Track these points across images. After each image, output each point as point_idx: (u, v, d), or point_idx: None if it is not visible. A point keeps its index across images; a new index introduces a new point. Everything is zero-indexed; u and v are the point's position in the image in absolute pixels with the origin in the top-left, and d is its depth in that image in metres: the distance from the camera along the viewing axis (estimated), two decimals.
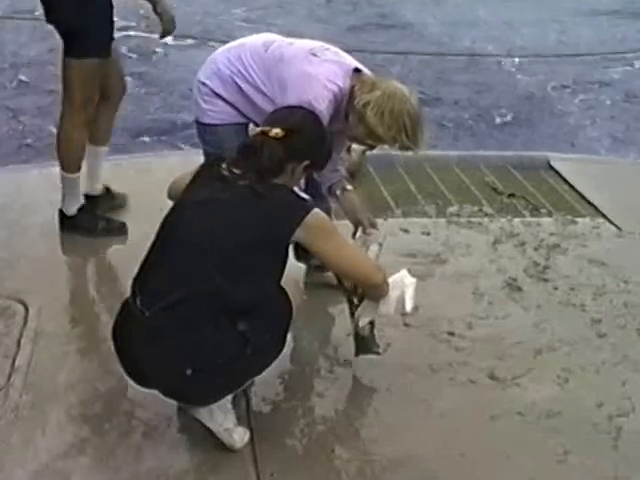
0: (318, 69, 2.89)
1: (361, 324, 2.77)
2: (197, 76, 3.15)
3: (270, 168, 2.41)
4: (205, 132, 3.15)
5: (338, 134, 2.93)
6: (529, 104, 7.96)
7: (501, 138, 7.06)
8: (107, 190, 4.12)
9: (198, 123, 3.17)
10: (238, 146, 2.51)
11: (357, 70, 2.95)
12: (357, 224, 3.14)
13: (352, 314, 2.83)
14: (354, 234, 3.13)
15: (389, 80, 2.93)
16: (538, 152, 5.52)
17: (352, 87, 2.89)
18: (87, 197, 3.94)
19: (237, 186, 2.39)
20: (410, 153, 2.97)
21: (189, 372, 2.34)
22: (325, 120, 2.76)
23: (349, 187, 3.19)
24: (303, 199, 2.51)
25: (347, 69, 2.92)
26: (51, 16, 3.61)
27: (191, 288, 2.34)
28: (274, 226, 2.36)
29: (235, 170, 2.41)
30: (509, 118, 7.55)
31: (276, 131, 2.42)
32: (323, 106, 2.80)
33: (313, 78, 2.86)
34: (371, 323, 2.80)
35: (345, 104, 2.89)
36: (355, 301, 2.81)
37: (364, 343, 2.86)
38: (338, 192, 3.15)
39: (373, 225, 3.15)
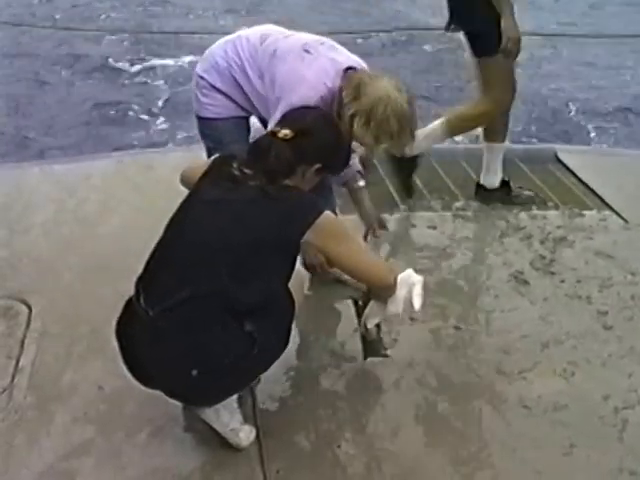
0: (308, 69, 2.84)
1: (369, 326, 2.72)
2: (195, 70, 3.14)
3: (279, 169, 2.37)
4: (204, 126, 3.15)
5: None
6: None
7: None
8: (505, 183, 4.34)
9: (197, 117, 3.17)
10: (248, 146, 2.49)
11: (351, 67, 2.88)
12: (368, 226, 3.21)
13: (358, 315, 2.79)
14: (365, 236, 3.22)
15: (377, 78, 2.80)
16: (545, 145, 5.48)
17: (341, 87, 2.82)
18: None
19: (248, 186, 2.35)
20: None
21: (194, 373, 2.31)
22: None
23: (361, 183, 3.19)
24: (315, 200, 2.44)
25: (339, 68, 2.85)
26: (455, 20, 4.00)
27: (197, 288, 2.30)
28: (284, 228, 2.31)
29: (246, 170, 2.38)
30: None
31: (285, 132, 2.38)
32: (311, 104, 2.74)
33: (301, 78, 2.82)
34: (377, 325, 2.77)
35: (336, 104, 2.81)
36: (360, 302, 2.78)
37: (372, 346, 2.84)
38: (352, 186, 3.18)
39: (382, 226, 3.18)
